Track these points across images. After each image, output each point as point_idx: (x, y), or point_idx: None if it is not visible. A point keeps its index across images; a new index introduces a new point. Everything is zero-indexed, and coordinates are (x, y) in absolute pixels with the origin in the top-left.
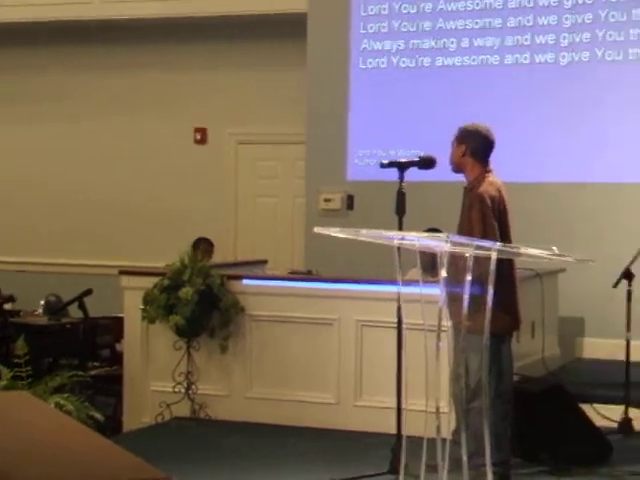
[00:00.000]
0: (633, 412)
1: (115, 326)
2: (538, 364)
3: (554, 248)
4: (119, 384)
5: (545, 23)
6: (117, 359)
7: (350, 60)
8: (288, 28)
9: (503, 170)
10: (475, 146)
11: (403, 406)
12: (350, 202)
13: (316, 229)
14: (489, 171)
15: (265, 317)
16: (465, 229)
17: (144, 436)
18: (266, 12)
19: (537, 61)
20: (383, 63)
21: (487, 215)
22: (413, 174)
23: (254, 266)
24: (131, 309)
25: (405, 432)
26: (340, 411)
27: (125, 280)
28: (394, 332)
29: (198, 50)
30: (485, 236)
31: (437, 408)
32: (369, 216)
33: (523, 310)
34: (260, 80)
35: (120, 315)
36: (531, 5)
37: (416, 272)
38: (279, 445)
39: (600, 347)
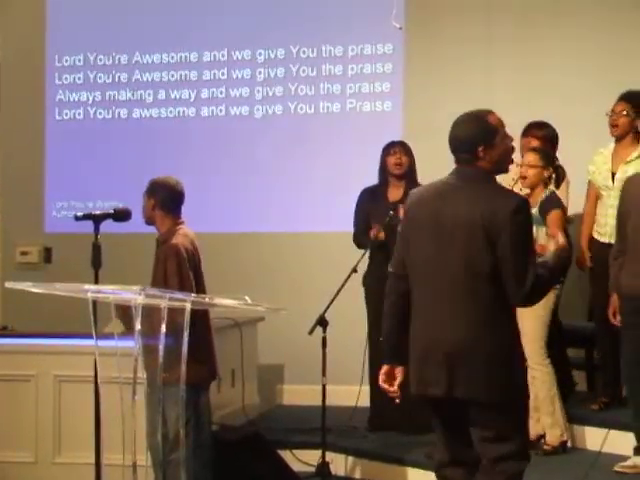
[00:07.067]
0: (330, 456)
1: None
2: (239, 412)
3: (246, 298)
4: None
5: (240, 77)
6: None
7: (45, 111)
8: None
9: (200, 221)
10: (164, 199)
11: (102, 461)
12: (48, 255)
13: (7, 284)
14: (180, 223)
15: None
16: (160, 281)
17: None
18: None
19: (232, 114)
20: (79, 114)
21: (183, 267)
22: (111, 226)
23: None
24: None
25: None
26: (38, 469)
27: None
28: (92, 386)
29: None
30: (182, 287)
31: (134, 462)
32: (68, 269)
33: (223, 359)
34: None
35: None
36: (225, 59)
37: (115, 324)
38: None
39: (299, 393)
